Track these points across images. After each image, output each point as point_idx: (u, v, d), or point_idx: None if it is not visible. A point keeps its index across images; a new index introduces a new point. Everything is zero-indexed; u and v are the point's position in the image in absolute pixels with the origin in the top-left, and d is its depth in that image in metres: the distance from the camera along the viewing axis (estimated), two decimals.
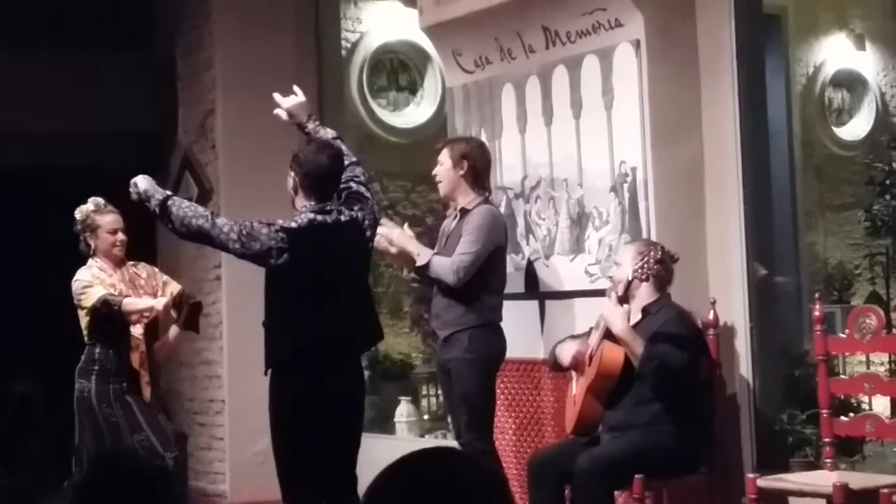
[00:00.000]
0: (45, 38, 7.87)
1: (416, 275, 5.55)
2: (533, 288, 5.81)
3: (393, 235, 5.36)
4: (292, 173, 4.78)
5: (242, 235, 4.58)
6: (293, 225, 4.64)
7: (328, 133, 5.02)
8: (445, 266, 5.22)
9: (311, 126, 5.05)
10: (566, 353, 5.08)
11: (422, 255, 5.30)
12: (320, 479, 4.75)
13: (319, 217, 4.68)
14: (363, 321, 4.85)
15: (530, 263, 5.84)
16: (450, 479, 1.75)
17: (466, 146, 5.44)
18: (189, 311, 5.89)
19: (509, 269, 5.55)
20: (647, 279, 4.82)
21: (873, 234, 7.07)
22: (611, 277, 5.06)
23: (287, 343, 4.69)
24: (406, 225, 5.57)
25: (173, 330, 5.90)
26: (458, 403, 5.23)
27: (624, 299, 4.79)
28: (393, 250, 5.39)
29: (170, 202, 4.70)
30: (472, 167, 5.34)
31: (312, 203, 4.71)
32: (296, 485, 4.74)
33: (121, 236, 5.69)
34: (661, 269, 4.83)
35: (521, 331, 5.62)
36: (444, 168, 5.39)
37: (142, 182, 4.82)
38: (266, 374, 4.78)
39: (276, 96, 5.14)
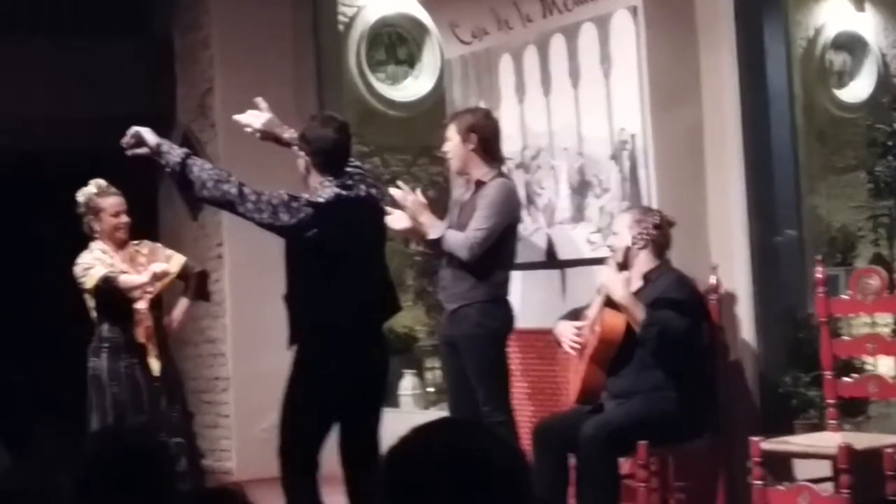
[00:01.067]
0: (41, 22, 7.85)
1: (427, 247, 5.49)
2: (551, 257, 5.77)
3: (408, 202, 5.21)
4: (302, 153, 4.76)
5: (271, 206, 4.54)
6: (320, 199, 4.62)
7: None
8: (459, 241, 5.17)
9: (287, 135, 4.91)
10: (564, 341, 5.08)
11: (435, 228, 5.22)
12: (343, 449, 4.79)
13: (344, 192, 4.69)
14: (383, 293, 4.89)
15: (547, 235, 5.78)
16: (468, 450, 1.76)
17: (473, 118, 5.34)
18: (196, 280, 5.91)
19: None
20: (645, 246, 4.82)
21: (876, 195, 7.04)
22: (610, 246, 5.06)
23: (315, 315, 4.70)
24: (419, 191, 5.39)
25: (182, 302, 5.92)
26: (474, 378, 5.21)
27: (623, 266, 4.80)
28: (405, 223, 5.24)
29: (190, 161, 4.60)
30: (482, 139, 5.25)
31: (331, 179, 4.69)
32: (301, 454, 4.73)
33: (124, 218, 5.69)
34: (659, 234, 4.84)
35: (536, 300, 5.61)
36: (453, 143, 5.29)
37: (149, 135, 4.70)
38: (289, 347, 4.77)
39: (243, 118, 5.02)
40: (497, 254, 5.23)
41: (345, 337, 4.68)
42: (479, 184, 5.26)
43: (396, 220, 5.18)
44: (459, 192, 5.48)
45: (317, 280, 4.68)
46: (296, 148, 4.82)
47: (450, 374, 5.42)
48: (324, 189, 4.68)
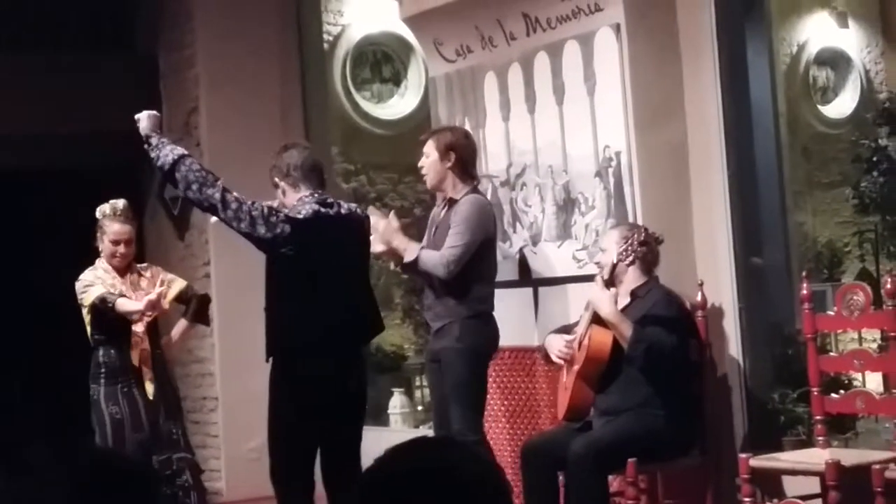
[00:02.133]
0: (27, 39, 7.83)
1: (403, 270, 5.51)
2: (524, 275, 5.79)
3: (379, 228, 5.26)
4: (276, 179, 4.86)
5: (250, 216, 4.61)
6: (299, 215, 4.69)
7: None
8: (434, 259, 5.17)
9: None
10: (553, 350, 5.08)
11: (409, 250, 5.23)
12: (324, 469, 4.83)
13: (323, 209, 4.77)
14: (364, 312, 4.92)
15: (521, 251, 5.82)
16: (445, 468, 1.75)
17: (452, 136, 5.36)
18: (197, 304, 5.88)
19: (498, 257, 5.54)
20: (632, 262, 4.83)
21: (861, 211, 7.08)
22: (598, 263, 5.06)
23: (288, 332, 4.75)
24: (392, 214, 5.46)
25: (181, 324, 5.89)
26: (450, 393, 5.21)
27: (610, 283, 4.80)
28: (380, 247, 5.28)
29: (180, 161, 4.66)
30: (459, 158, 5.27)
31: (309, 195, 4.78)
32: (290, 477, 4.77)
33: (122, 249, 5.60)
34: (646, 250, 4.84)
35: (512, 318, 5.61)
36: (431, 160, 5.30)
37: (144, 121, 4.77)
38: (267, 361, 4.83)
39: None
40: (476, 270, 5.22)
41: (318, 355, 4.71)
42: (452, 202, 5.28)
43: (373, 244, 5.20)
44: (435, 210, 5.49)
45: (292, 297, 4.73)
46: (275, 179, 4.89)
47: (435, 392, 5.41)
48: (303, 205, 4.74)
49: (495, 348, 5.30)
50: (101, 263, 5.63)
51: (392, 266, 5.75)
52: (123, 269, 5.64)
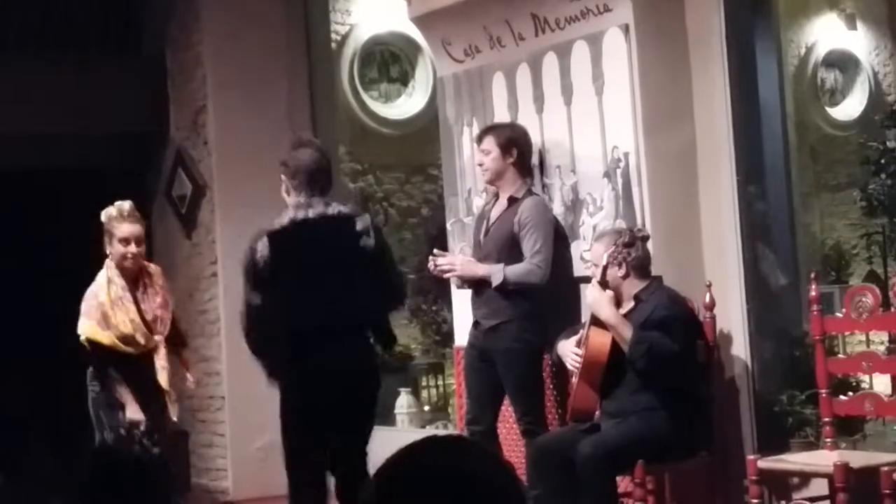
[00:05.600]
0: (34, 40, 7.83)
1: (495, 290, 5.43)
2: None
3: (457, 267, 5.35)
4: (283, 176, 5.00)
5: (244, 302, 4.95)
6: (275, 227, 4.89)
7: None
8: (523, 272, 5.22)
9: None
10: (567, 360, 5.09)
11: (495, 276, 5.26)
12: (332, 464, 5.02)
13: (301, 213, 4.90)
14: (355, 306, 4.92)
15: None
16: (458, 466, 1.74)
17: (513, 132, 5.43)
18: (177, 331, 5.85)
19: None
20: (626, 274, 4.86)
21: (869, 213, 7.06)
22: (593, 265, 5.07)
23: (277, 334, 4.92)
24: (459, 251, 5.63)
25: (184, 359, 5.90)
26: (513, 392, 5.28)
27: (604, 285, 4.82)
28: (457, 272, 5.38)
29: None
30: (521, 154, 5.35)
31: (300, 199, 4.92)
32: (295, 467, 5.00)
33: (133, 248, 5.50)
34: (634, 250, 4.86)
35: None
36: (493, 157, 5.33)
37: None
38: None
39: None
40: None
41: (304, 352, 4.84)
42: (512, 200, 5.32)
43: (456, 280, 5.45)
44: (486, 206, 5.50)
45: (277, 300, 4.87)
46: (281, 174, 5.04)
47: (477, 386, 5.40)
48: (281, 215, 4.92)
49: (548, 345, 5.31)
50: (109, 265, 5.57)
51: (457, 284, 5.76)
52: (133, 271, 5.58)
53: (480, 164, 5.40)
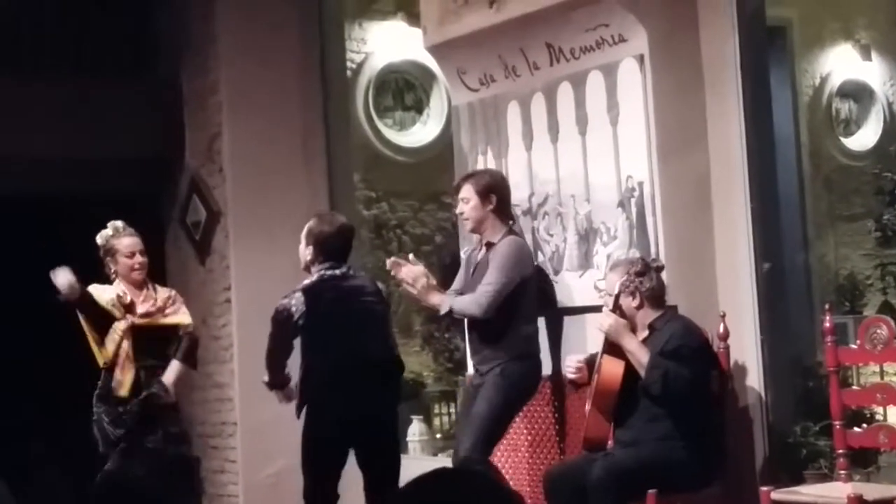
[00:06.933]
0: (49, 65, 7.87)
1: (442, 320, 5.66)
2: (545, 304, 5.79)
3: (417, 287, 5.33)
4: (308, 241, 5.38)
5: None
6: (308, 283, 5.35)
7: None
8: (466, 302, 5.27)
9: None
10: (567, 369, 5.13)
11: (442, 305, 5.32)
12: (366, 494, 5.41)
13: (329, 272, 5.35)
14: (380, 353, 5.38)
15: (543, 280, 5.81)
16: (467, 500, 1.74)
17: (491, 179, 5.43)
18: (189, 343, 5.86)
19: None
20: (640, 305, 4.86)
21: (884, 243, 7.06)
22: (607, 294, 5.08)
23: (309, 377, 5.35)
24: (411, 256, 5.57)
25: (173, 365, 5.85)
26: (473, 412, 5.24)
27: (620, 315, 4.84)
28: (414, 292, 5.41)
29: None
30: (501, 199, 5.35)
31: (327, 265, 5.35)
32: (313, 498, 5.35)
33: (139, 259, 5.71)
34: (647, 280, 4.86)
35: None
36: (472, 205, 5.35)
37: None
38: (298, 417, 5.44)
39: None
40: (516, 309, 5.28)
41: (330, 393, 5.26)
42: (490, 245, 5.35)
43: (405, 294, 5.64)
44: (473, 253, 5.52)
45: (311, 348, 5.35)
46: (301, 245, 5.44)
47: (462, 419, 5.54)
48: (312, 275, 5.38)
49: (533, 391, 5.34)
50: (116, 285, 5.68)
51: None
52: (140, 283, 5.71)
53: (461, 213, 5.41)
